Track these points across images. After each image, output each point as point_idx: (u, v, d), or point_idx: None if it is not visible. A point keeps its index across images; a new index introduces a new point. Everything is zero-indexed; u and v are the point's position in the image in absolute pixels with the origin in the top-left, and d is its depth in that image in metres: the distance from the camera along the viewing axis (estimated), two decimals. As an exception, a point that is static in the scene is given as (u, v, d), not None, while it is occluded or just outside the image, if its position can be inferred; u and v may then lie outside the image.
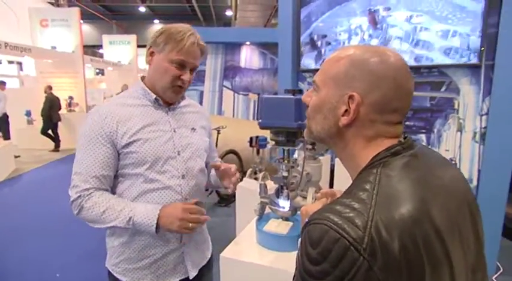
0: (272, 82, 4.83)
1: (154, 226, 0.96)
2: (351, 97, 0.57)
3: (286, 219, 1.26)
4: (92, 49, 17.61)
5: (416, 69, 2.84)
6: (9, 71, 11.52)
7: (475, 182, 2.65)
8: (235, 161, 4.61)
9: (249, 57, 4.85)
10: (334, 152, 0.66)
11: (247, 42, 4.74)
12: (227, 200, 4.23)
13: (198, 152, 1.14)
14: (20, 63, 11.92)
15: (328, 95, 0.60)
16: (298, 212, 1.23)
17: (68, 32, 8.72)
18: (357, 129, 0.59)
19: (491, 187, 2.48)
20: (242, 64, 4.84)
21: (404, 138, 0.61)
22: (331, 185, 3.13)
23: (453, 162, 2.81)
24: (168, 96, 1.08)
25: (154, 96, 1.08)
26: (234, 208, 3.05)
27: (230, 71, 4.85)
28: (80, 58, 8.75)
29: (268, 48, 4.73)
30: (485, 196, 2.49)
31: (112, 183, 1.06)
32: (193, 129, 1.16)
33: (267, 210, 1.32)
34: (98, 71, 14.31)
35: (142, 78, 1.13)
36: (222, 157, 4.37)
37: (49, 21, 8.66)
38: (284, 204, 1.22)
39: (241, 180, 4.51)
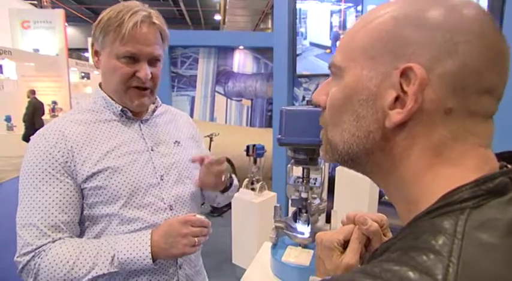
0: (266, 87, 4.71)
1: (150, 255, 0.74)
2: (404, 72, 0.32)
3: (305, 246, 1.12)
4: (76, 52, 17.16)
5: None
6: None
7: None
8: (229, 169, 4.47)
9: (242, 62, 4.71)
10: (374, 181, 0.41)
11: (241, 47, 4.60)
12: (220, 209, 4.07)
13: (186, 171, 0.91)
14: (-1, 66, 11.48)
15: (360, 78, 0.35)
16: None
17: (51, 34, 8.42)
18: (418, 130, 0.33)
19: None
20: (235, 69, 4.70)
21: (501, 155, 0.36)
22: (330, 197, 3.00)
23: None
24: (129, 105, 0.83)
25: (120, 107, 0.84)
26: (227, 218, 2.87)
27: (222, 76, 4.70)
28: (65, 61, 8.46)
29: (261, 52, 4.61)
30: None
31: (78, 231, 0.80)
32: (176, 142, 0.93)
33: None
34: (83, 74, 13.94)
35: (101, 85, 0.88)
36: (215, 165, 4.24)
37: (31, 22, 8.35)
38: (303, 229, 1.07)
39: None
